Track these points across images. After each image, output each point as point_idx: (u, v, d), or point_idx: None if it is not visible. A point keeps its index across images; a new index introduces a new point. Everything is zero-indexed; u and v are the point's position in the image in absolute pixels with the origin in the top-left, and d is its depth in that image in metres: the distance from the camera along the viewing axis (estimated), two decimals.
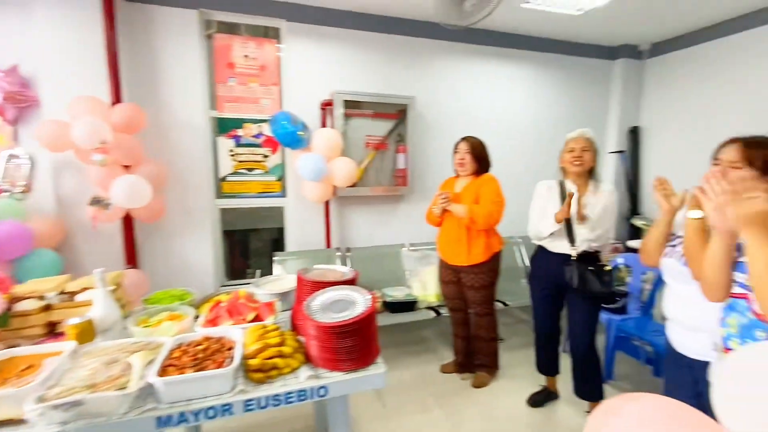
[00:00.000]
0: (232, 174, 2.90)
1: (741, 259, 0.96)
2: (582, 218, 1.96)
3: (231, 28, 2.83)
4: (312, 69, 2.92)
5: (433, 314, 2.76)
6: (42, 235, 2.24)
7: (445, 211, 2.36)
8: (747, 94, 2.98)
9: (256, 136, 2.91)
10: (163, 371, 1.10)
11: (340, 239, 3.16)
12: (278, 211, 3.09)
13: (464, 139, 2.37)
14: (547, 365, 2.33)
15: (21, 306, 1.46)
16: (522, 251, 3.46)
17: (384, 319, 2.66)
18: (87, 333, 1.32)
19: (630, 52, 3.76)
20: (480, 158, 2.34)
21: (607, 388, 2.27)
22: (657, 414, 0.64)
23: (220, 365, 1.12)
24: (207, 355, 1.18)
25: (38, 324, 1.45)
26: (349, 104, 2.95)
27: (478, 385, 2.50)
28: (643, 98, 3.89)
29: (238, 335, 1.26)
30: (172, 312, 1.53)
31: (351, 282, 1.46)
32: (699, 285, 1.10)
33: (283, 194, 3.03)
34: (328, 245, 3.08)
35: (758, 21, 2.84)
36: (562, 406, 2.32)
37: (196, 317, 1.51)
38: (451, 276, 2.49)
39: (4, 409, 1.00)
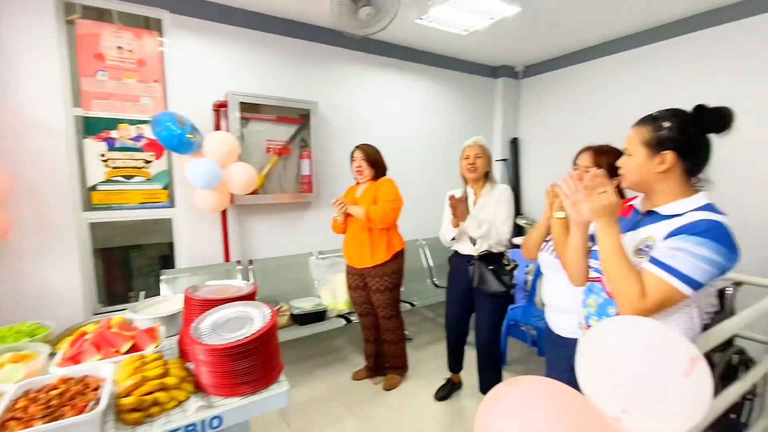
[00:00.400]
0: (104, 182, 2.49)
1: (594, 248, 1.12)
2: (460, 218, 2.08)
3: (101, 15, 2.46)
4: (203, 67, 2.68)
5: (343, 322, 2.73)
6: None
7: (347, 216, 2.38)
8: (601, 110, 3.59)
9: (136, 138, 2.55)
10: (1, 428, 0.87)
11: (241, 251, 2.94)
12: (166, 224, 2.75)
13: (358, 147, 2.42)
14: (457, 366, 2.47)
15: None
16: (426, 253, 3.64)
17: (292, 333, 2.54)
18: None
19: (508, 72, 4.26)
20: (375, 164, 2.40)
21: (503, 373, 2.49)
22: (536, 394, 0.70)
23: (81, 411, 0.93)
24: (64, 401, 0.97)
25: None
26: (247, 107, 2.77)
27: (388, 388, 2.53)
28: (520, 113, 4.43)
29: (108, 371, 1.07)
30: (17, 352, 1.23)
31: (250, 297, 1.36)
32: (563, 268, 1.27)
33: (170, 204, 2.71)
34: (227, 259, 2.84)
35: (611, 50, 3.44)
36: (467, 397, 2.48)
37: (52, 355, 1.25)
38: (357, 281, 2.50)
39: None
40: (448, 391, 2.47)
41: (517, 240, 3.44)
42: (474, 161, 2.14)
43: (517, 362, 2.92)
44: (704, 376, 0.68)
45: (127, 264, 3.25)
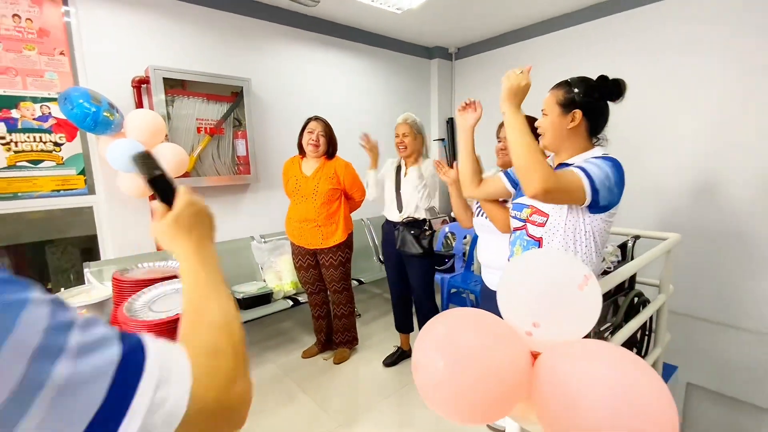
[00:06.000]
0: (6, 168, 2.20)
1: (518, 200, 1.25)
2: (373, 162, 2.43)
3: None
4: (118, 39, 2.45)
5: (290, 303, 2.71)
6: None
7: (307, 195, 2.38)
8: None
9: (41, 119, 2.28)
10: None
11: None
12: (86, 214, 2.52)
13: (317, 119, 2.37)
14: (403, 323, 2.60)
15: None
16: (372, 231, 3.71)
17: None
18: None
19: (442, 53, 4.40)
20: (331, 140, 2.40)
21: None
22: (463, 321, 0.79)
23: None
24: None
25: None
26: (172, 83, 2.59)
27: (339, 361, 2.59)
28: (454, 94, 4.61)
29: None
30: None
31: None
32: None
33: (88, 191, 2.47)
34: (160, 248, 2.67)
35: (539, 31, 3.67)
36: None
37: None
38: (309, 260, 2.50)
39: None
40: (397, 357, 2.59)
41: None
42: (402, 140, 2.28)
43: None
44: (595, 290, 0.81)
45: (41, 261, 2.93)
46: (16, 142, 2.22)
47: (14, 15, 2.19)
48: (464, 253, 3.30)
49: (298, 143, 2.42)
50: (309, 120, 2.38)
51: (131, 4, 2.48)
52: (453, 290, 3.06)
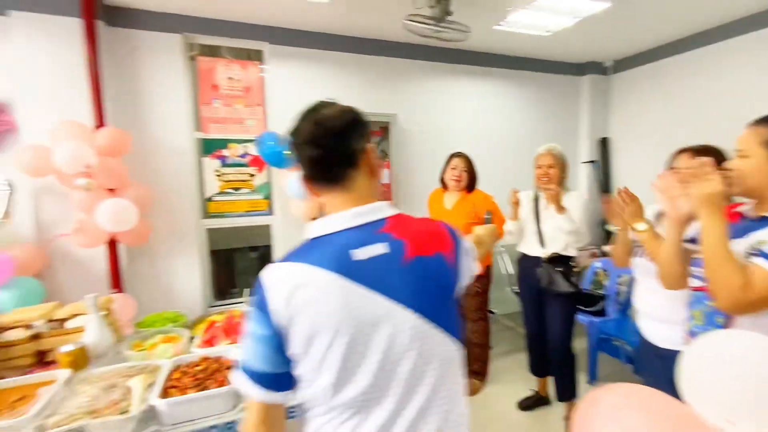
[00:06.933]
0: (218, 194, 2.90)
1: (697, 255, 1.06)
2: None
3: (213, 51, 2.88)
4: (295, 89, 2.99)
5: None
6: (22, 263, 2.18)
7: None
8: (699, 107, 3.21)
9: (242, 156, 2.94)
10: (164, 393, 1.11)
11: None
12: (265, 229, 3.10)
13: (459, 155, 2.48)
14: (539, 367, 2.41)
15: (6, 336, 1.43)
16: (506, 260, 3.56)
17: None
18: (81, 360, 1.32)
19: (596, 68, 4.00)
20: (473, 175, 2.47)
21: (591, 390, 2.35)
22: (634, 399, 0.71)
23: (221, 384, 1.13)
24: (207, 375, 1.19)
25: (26, 354, 1.42)
26: None
27: (471, 393, 2.55)
28: (609, 111, 4.12)
29: (236, 354, 1.28)
30: (166, 335, 1.52)
31: None
32: (658, 275, 1.22)
33: (269, 212, 3.05)
34: None
35: (710, 39, 3.08)
36: (552, 408, 2.39)
37: (191, 338, 1.52)
38: None
39: None
40: (533, 402, 2.41)
41: (607, 248, 3.21)
42: (546, 172, 2.14)
43: (609, 379, 2.72)
44: None
45: (231, 264, 3.72)
46: (225, 174, 2.91)
47: (229, 78, 2.89)
48: (618, 294, 2.88)
49: (440, 177, 2.53)
50: (452, 156, 2.48)
51: (304, 58, 3.00)
52: (603, 336, 2.70)
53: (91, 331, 1.39)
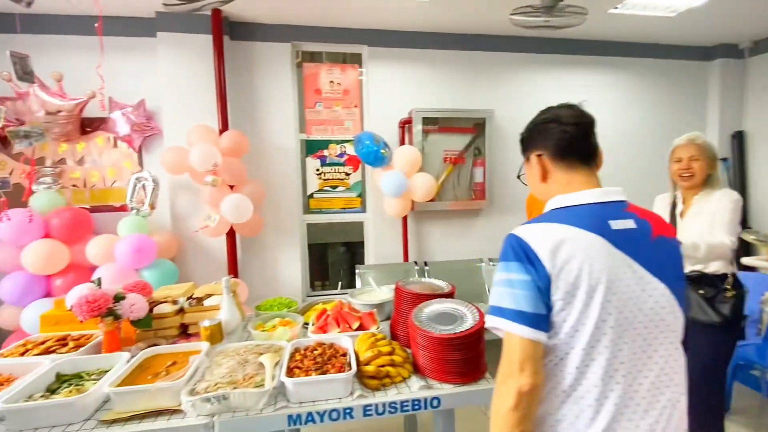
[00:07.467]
0: (318, 191, 3.09)
1: None
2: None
3: (314, 57, 3.07)
4: (391, 89, 3.05)
5: None
6: (162, 248, 2.56)
7: None
8: None
9: (340, 155, 3.09)
10: (290, 372, 1.20)
11: (417, 253, 3.20)
12: (358, 226, 3.23)
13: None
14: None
15: (159, 309, 1.68)
16: None
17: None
18: (216, 335, 1.49)
19: (729, 51, 3.44)
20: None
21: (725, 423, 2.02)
22: None
23: (339, 370, 1.19)
24: (325, 360, 1.26)
25: (173, 326, 1.65)
26: (427, 121, 3.02)
27: None
28: (746, 100, 3.51)
29: (348, 342, 1.34)
30: (283, 318, 1.65)
31: (449, 295, 1.49)
32: None
33: (363, 209, 3.17)
34: (406, 259, 3.14)
35: None
36: None
37: (304, 324, 1.63)
38: None
39: (161, 400, 1.14)
40: None
41: (745, 260, 2.74)
42: (689, 165, 1.75)
43: (746, 413, 2.32)
44: None
45: (324, 258, 3.94)
46: (324, 173, 3.09)
47: (330, 81, 3.06)
48: (761, 314, 2.44)
49: None
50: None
51: (400, 58, 3.05)
52: (740, 363, 2.31)
53: (225, 310, 1.57)
